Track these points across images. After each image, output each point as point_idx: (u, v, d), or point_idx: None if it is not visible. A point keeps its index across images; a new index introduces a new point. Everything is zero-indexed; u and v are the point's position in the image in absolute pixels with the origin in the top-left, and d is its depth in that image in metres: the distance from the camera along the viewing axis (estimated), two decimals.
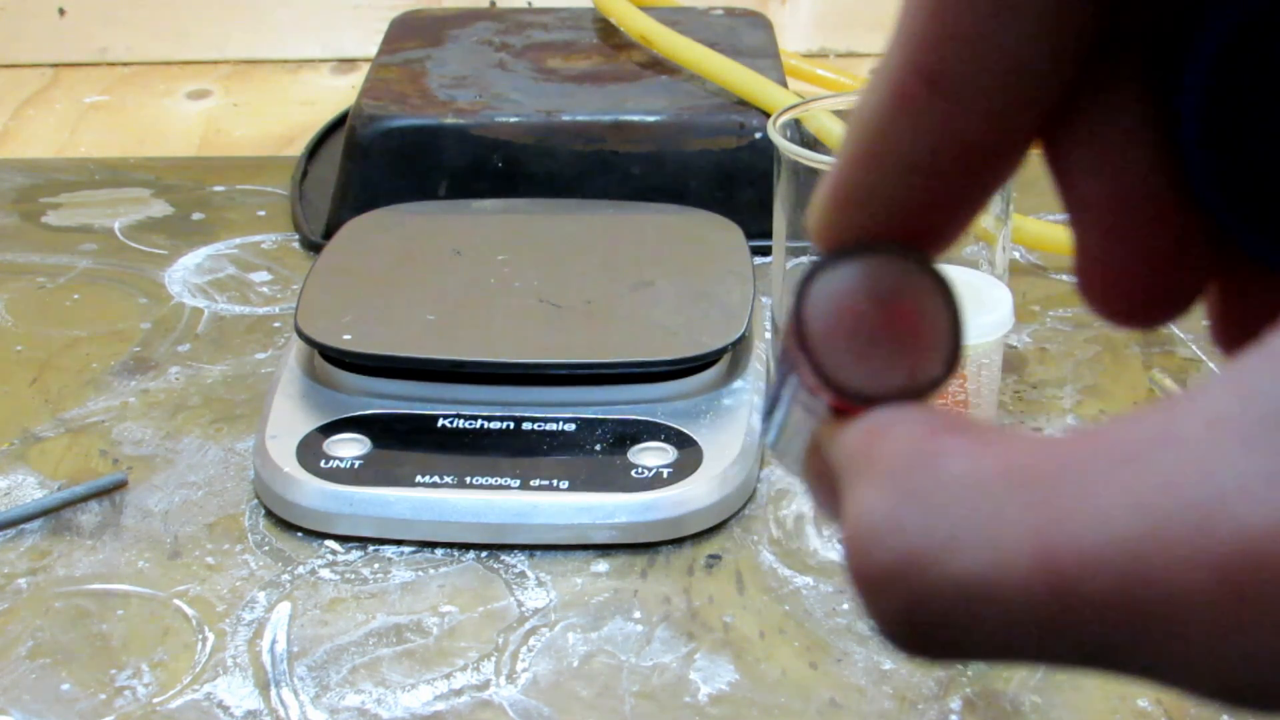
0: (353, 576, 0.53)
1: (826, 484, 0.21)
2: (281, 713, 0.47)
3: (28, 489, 0.58)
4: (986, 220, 0.59)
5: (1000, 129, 0.21)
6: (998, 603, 0.18)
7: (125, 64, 1.04)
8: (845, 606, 0.52)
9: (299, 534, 0.55)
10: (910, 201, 0.22)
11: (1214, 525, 0.16)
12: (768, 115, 0.73)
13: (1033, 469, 0.18)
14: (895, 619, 0.19)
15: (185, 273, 0.74)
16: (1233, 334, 0.23)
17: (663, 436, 0.57)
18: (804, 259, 0.61)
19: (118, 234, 0.78)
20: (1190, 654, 0.17)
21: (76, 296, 0.72)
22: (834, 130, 0.65)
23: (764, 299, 0.66)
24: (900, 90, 0.21)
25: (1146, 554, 0.17)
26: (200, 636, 0.50)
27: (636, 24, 0.82)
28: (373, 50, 0.85)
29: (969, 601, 0.18)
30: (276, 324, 0.69)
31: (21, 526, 0.56)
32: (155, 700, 0.48)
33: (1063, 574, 0.17)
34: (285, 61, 1.04)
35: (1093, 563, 0.17)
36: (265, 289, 0.73)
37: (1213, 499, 0.16)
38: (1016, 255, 0.74)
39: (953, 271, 0.44)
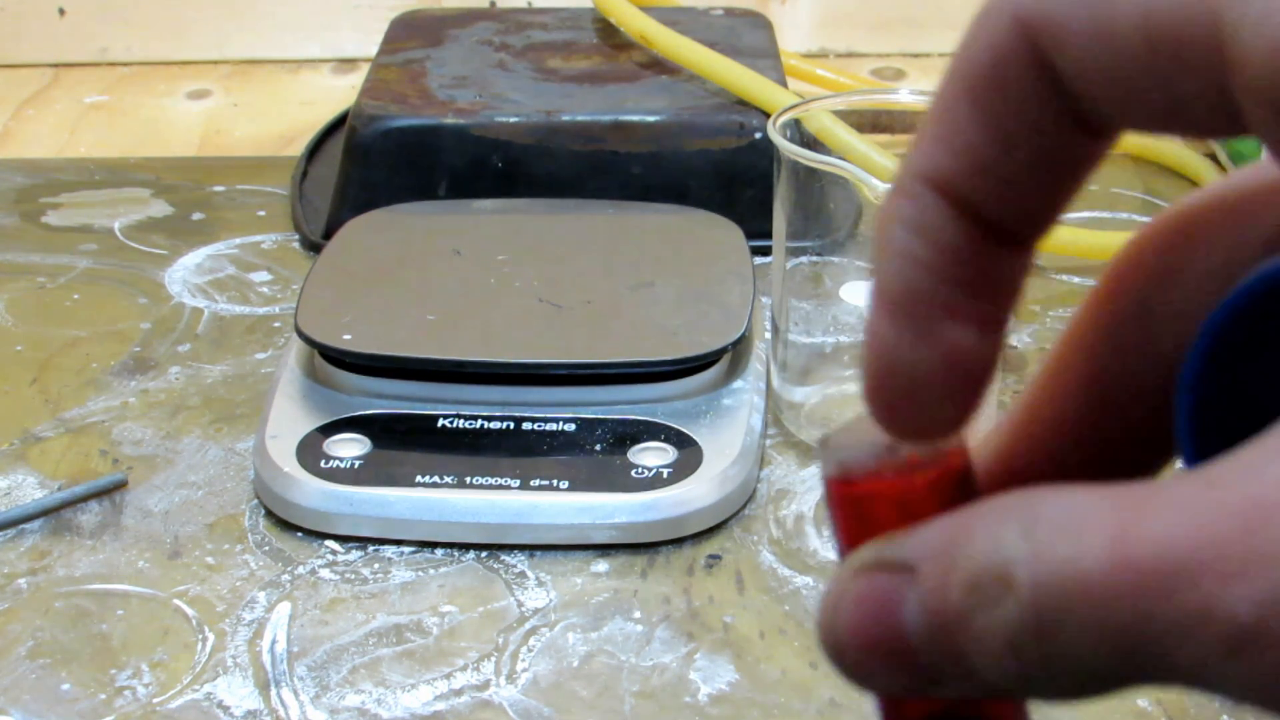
0: (353, 576, 0.53)
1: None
2: (281, 713, 0.47)
3: (28, 489, 0.58)
4: None
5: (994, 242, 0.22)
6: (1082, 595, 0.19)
7: (125, 64, 1.04)
8: None
9: (299, 534, 0.55)
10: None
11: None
12: (768, 115, 0.73)
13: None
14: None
15: (185, 273, 0.74)
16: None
17: (663, 436, 0.57)
18: (804, 259, 0.61)
19: (118, 234, 0.78)
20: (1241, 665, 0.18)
21: (76, 296, 0.72)
22: (834, 130, 0.65)
23: (764, 299, 0.66)
24: (911, 184, 0.22)
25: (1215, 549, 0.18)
26: (200, 636, 0.50)
27: (636, 24, 0.82)
28: (373, 50, 0.85)
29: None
30: (276, 324, 0.69)
31: (21, 526, 0.56)
32: (155, 700, 0.48)
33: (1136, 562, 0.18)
34: (285, 61, 1.04)
35: (1164, 552, 0.18)
36: (265, 289, 0.73)
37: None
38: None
39: None
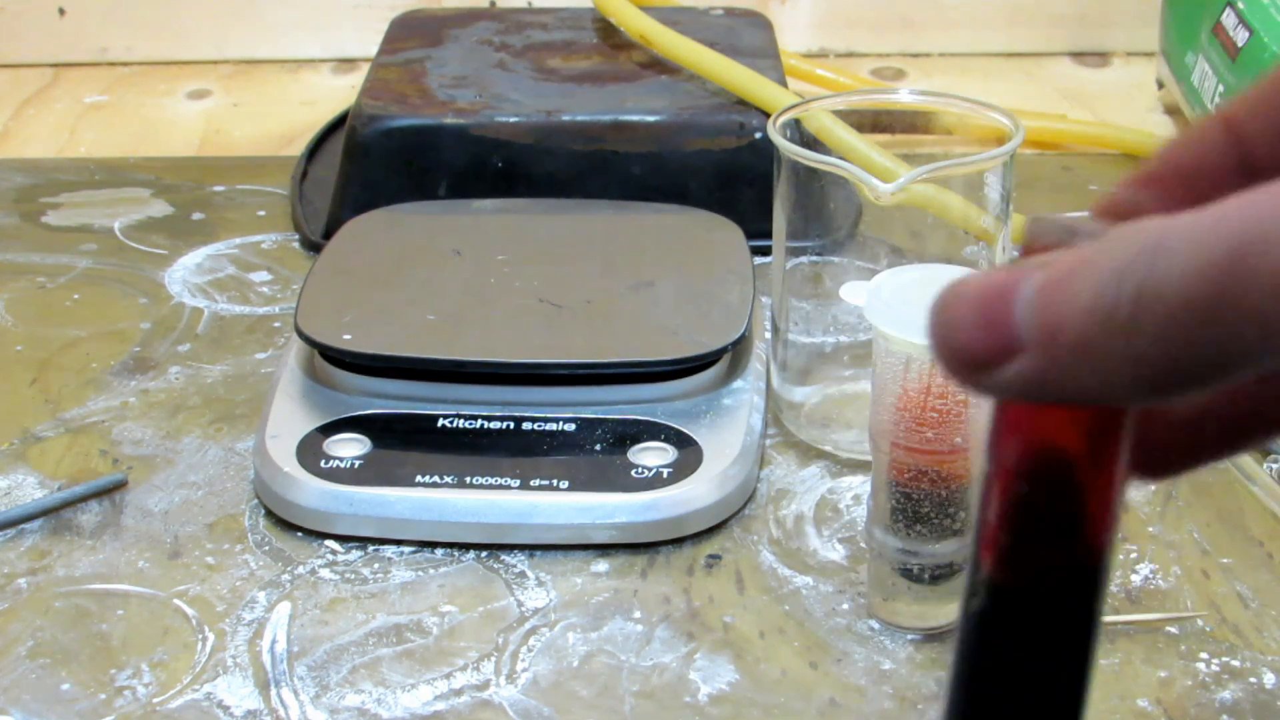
0: (353, 576, 0.53)
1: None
2: (281, 713, 0.47)
3: (28, 489, 0.58)
4: (986, 220, 0.59)
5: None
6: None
7: (125, 64, 1.04)
8: (845, 606, 0.52)
9: (299, 534, 0.55)
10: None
11: None
12: (768, 115, 0.73)
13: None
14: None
15: (185, 273, 0.74)
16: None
17: (663, 436, 0.57)
18: (804, 259, 0.61)
19: (118, 234, 0.78)
20: None
21: (76, 296, 0.72)
22: (834, 130, 0.65)
23: (764, 299, 0.66)
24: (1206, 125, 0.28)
25: None
26: (200, 636, 0.50)
27: (636, 24, 0.82)
28: (373, 50, 0.85)
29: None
30: (276, 324, 0.70)
31: (21, 526, 0.56)
32: (155, 700, 0.48)
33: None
34: (285, 61, 1.04)
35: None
36: (265, 289, 0.73)
37: None
38: (1016, 255, 0.74)
39: (953, 271, 0.44)
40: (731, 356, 0.61)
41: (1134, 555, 0.54)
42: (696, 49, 0.78)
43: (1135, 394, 0.23)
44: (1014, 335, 0.23)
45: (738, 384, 0.60)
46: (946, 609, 0.50)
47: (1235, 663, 0.49)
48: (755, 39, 0.84)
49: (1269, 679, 0.48)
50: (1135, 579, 0.53)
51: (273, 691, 0.48)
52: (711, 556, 0.54)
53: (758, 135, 0.75)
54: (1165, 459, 0.28)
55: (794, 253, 0.60)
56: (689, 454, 0.56)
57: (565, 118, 0.76)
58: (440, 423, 0.58)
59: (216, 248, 0.77)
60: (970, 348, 0.24)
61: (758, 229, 0.70)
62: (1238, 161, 0.27)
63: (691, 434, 0.57)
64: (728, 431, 0.57)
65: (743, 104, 0.76)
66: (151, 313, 0.71)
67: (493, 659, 0.49)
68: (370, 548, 0.55)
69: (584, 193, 0.75)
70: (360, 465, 0.56)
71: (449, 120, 0.75)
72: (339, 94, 0.97)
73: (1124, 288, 0.22)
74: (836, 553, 0.54)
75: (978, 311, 0.24)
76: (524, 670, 0.49)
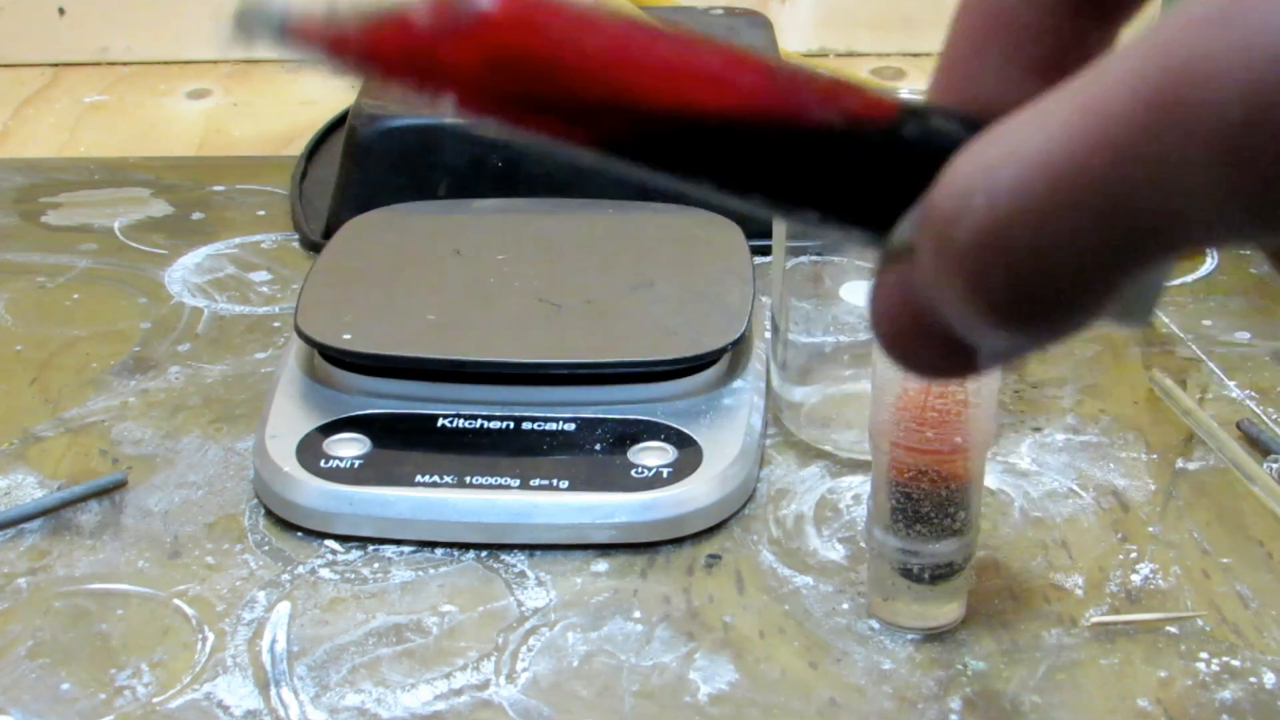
0: (353, 576, 0.53)
1: None
2: (281, 712, 0.47)
3: (28, 489, 0.58)
4: None
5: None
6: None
7: (125, 64, 1.04)
8: (845, 606, 0.52)
9: (299, 534, 0.55)
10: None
11: None
12: None
13: None
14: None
15: (185, 272, 0.74)
16: None
17: (663, 436, 0.57)
18: (804, 259, 0.61)
19: (118, 234, 0.78)
20: None
21: (76, 296, 0.72)
22: None
23: (764, 299, 0.66)
24: None
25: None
26: (200, 636, 0.50)
27: None
28: None
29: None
30: (276, 324, 0.69)
31: (21, 526, 0.56)
32: (155, 700, 0.48)
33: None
34: (285, 61, 1.04)
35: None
36: (265, 289, 0.73)
37: None
38: None
39: None
40: (731, 356, 0.61)
41: (1134, 555, 0.54)
42: None
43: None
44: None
45: (738, 384, 0.60)
46: (946, 609, 0.50)
47: (1235, 663, 0.49)
48: (755, 39, 0.84)
49: (1269, 679, 0.48)
50: (1135, 579, 0.53)
51: (272, 691, 0.48)
52: (711, 556, 0.54)
53: None
54: None
55: (794, 253, 0.60)
56: (689, 454, 0.56)
57: None
58: (440, 423, 0.58)
59: (216, 247, 0.77)
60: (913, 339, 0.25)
61: (758, 229, 0.70)
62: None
63: (691, 434, 0.57)
64: (728, 431, 0.57)
65: None
66: (151, 312, 0.71)
67: (492, 659, 0.49)
68: (370, 547, 0.55)
69: (584, 193, 0.75)
70: (360, 465, 0.56)
71: (449, 120, 0.75)
72: (339, 94, 0.97)
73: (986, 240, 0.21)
74: (836, 552, 0.54)
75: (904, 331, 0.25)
76: (524, 670, 0.49)
